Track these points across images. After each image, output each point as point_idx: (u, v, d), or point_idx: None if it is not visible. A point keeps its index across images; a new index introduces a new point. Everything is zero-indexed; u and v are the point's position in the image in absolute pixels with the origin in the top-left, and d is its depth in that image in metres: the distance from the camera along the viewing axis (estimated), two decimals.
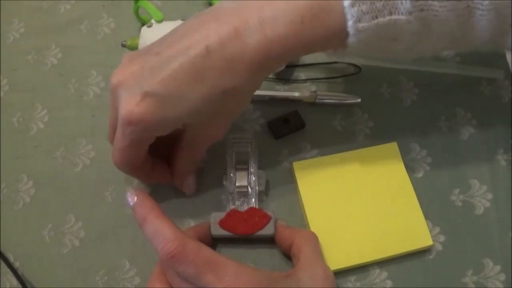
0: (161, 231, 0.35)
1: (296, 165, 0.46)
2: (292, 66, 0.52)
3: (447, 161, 0.47)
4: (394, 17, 0.37)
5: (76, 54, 0.54)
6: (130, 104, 0.37)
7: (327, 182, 0.45)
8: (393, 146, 0.47)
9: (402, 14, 0.37)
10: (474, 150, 0.48)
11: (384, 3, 0.36)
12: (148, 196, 0.37)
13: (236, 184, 0.44)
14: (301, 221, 0.45)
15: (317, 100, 0.49)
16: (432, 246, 0.43)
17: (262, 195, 0.46)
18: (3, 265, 0.43)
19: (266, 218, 0.42)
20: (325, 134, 0.49)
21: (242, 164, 0.45)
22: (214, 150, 0.46)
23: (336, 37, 0.38)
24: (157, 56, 0.37)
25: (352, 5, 0.36)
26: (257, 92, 0.50)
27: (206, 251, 0.35)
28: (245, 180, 0.44)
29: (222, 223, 0.42)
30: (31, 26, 0.56)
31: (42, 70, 0.53)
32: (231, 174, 0.44)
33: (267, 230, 0.42)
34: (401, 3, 0.36)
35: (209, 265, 0.34)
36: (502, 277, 0.42)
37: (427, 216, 0.44)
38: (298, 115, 0.49)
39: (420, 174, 0.47)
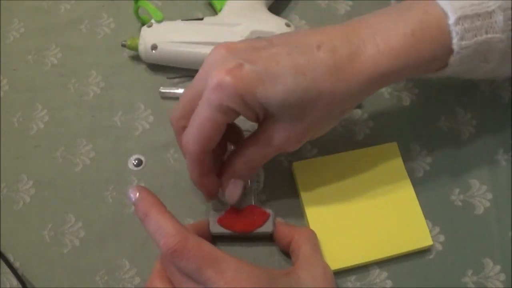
0: (163, 226, 0.35)
1: (296, 165, 0.46)
2: None
3: (447, 161, 0.47)
4: (489, 35, 0.38)
5: (76, 54, 0.54)
6: (223, 71, 0.35)
7: (327, 182, 0.45)
8: (393, 146, 0.47)
9: (496, 32, 0.38)
10: (474, 150, 0.48)
11: (482, 22, 0.38)
12: (150, 192, 0.37)
13: None
14: (301, 221, 0.45)
15: None
16: (432, 246, 0.43)
17: (262, 194, 0.46)
18: (3, 265, 0.43)
19: (265, 216, 0.42)
20: (325, 134, 0.49)
21: None
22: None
23: (442, 54, 0.39)
24: (267, 42, 0.38)
25: (456, 23, 0.38)
26: None
27: (208, 246, 0.35)
28: None
29: (221, 221, 0.42)
30: (31, 26, 0.56)
31: (42, 70, 0.53)
32: None
33: (266, 228, 0.42)
34: (495, 22, 0.38)
35: (210, 260, 0.34)
36: (502, 277, 0.42)
37: (427, 216, 0.44)
38: None
39: (420, 174, 0.47)
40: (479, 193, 0.46)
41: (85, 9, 0.57)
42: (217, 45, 0.38)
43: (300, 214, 0.45)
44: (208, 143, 0.38)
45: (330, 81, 0.37)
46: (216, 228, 0.42)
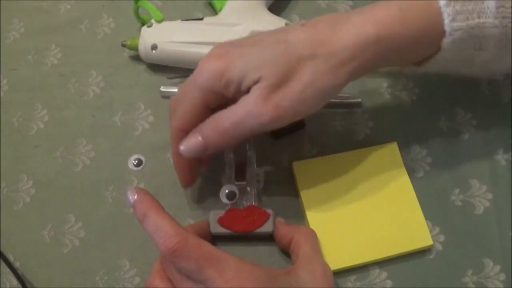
0: (162, 226, 0.35)
1: (296, 165, 0.46)
2: None
3: (447, 161, 0.47)
4: (482, 20, 0.38)
5: (76, 54, 0.54)
6: (210, 55, 0.39)
7: (327, 182, 0.45)
8: (393, 146, 0.47)
9: (488, 17, 0.38)
10: (474, 150, 0.48)
11: (474, 7, 0.38)
12: (149, 193, 0.37)
13: (235, 182, 0.44)
14: (301, 221, 0.45)
15: None
16: (432, 246, 0.43)
17: (262, 194, 0.46)
18: (3, 265, 0.43)
19: (265, 216, 0.42)
20: (325, 134, 0.49)
21: (240, 162, 0.45)
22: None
23: (433, 34, 0.38)
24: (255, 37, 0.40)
25: (448, 5, 0.37)
26: None
27: (207, 246, 0.35)
28: (243, 178, 0.44)
29: (221, 221, 0.42)
30: (31, 26, 0.56)
31: (42, 70, 0.53)
32: (231, 173, 0.44)
33: (266, 228, 0.42)
34: (487, 7, 0.38)
35: (210, 260, 0.34)
36: (502, 277, 0.42)
37: (427, 216, 0.44)
38: None
39: (420, 174, 0.47)
40: (479, 193, 0.46)
41: (85, 9, 0.57)
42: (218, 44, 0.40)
43: (300, 214, 0.45)
44: (187, 121, 0.40)
45: (311, 45, 0.38)
46: (217, 228, 0.42)
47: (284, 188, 0.46)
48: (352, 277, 0.43)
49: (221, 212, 0.42)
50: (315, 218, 0.44)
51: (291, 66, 0.37)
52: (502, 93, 0.51)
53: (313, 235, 0.41)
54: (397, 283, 0.42)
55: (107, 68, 0.53)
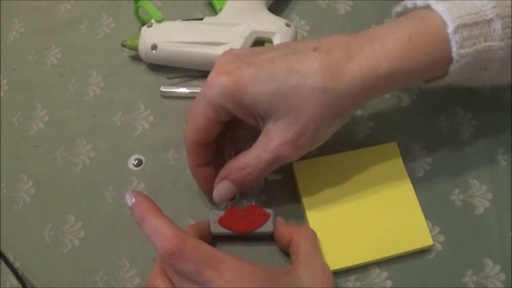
0: (160, 229, 0.35)
1: (296, 165, 0.46)
2: None
3: (447, 161, 0.47)
4: (488, 43, 0.38)
5: (76, 54, 0.54)
6: (220, 70, 0.38)
7: (327, 182, 0.45)
8: (393, 146, 0.47)
9: (495, 40, 0.38)
10: (474, 150, 0.48)
11: (481, 31, 0.38)
12: (146, 197, 0.37)
13: None
14: (301, 221, 0.45)
15: None
16: (432, 246, 0.43)
17: (262, 194, 0.46)
18: (3, 265, 0.43)
19: (265, 216, 0.42)
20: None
21: None
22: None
23: (441, 62, 0.39)
24: (269, 48, 0.40)
25: (455, 32, 0.38)
26: None
27: (206, 247, 0.35)
28: None
29: (221, 221, 0.42)
30: (31, 26, 0.56)
31: (42, 70, 0.53)
32: None
33: (266, 228, 0.42)
34: (494, 30, 0.38)
35: (209, 261, 0.34)
36: (502, 277, 0.42)
37: (427, 216, 0.44)
38: None
39: (420, 174, 0.47)
40: (479, 193, 0.46)
41: (85, 9, 0.57)
42: (225, 51, 0.40)
43: (300, 214, 0.45)
44: (201, 135, 0.40)
45: (322, 78, 0.38)
46: (217, 228, 0.42)
47: (284, 188, 0.46)
48: (352, 277, 0.43)
49: (221, 212, 0.42)
50: (315, 218, 0.44)
51: (301, 100, 0.38)
52: (502, 93, 0.51)
53: (313, 235, 0.41)
54: (397, 283, 0.42)
55: (107, 68, 0.53)
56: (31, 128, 0.50)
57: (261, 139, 0.40)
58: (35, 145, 0.49)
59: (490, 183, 0.46)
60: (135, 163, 0.48)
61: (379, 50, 0.38)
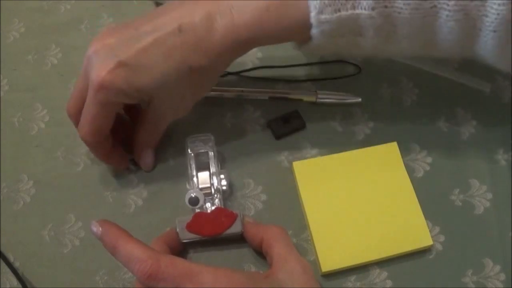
0: (133, 254, 0.35)
1: (296, 165, 0.46)
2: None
3: (447, 161, 0.47)
4: (356, 11, 0.38)
5: (76, 54, 0.54)
6: (103, 70, 0.39)
7: (327, 182, 0.45)
8: (393, 146, 0.47)
9: (364, 9, 0.38)
10: (474, 150, 0.48)
11: None
12: (113, 224, 0.38)
13: (199, 186, 0.44)
14: (301, 221, 0.45)
15: (318, 100, 0.49)
16: (432, 246, 0.43)
17: (262, 194, 0.46)
18: (3, 265, 0.43)
19: (233, 217, 0.42)
20: (325, 134, 0.49)
21: (203, 166, 0.45)
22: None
23: (300, 28, 0.40)
24: (134, 30, 0.41)
25: None
26: (257, 92, 0.50)
27: (180, 262, 0.35)
28: (207, 181, 0.44)
29: (189, 227, 0.42)
30: (31, 26, 0.56)
31: (42, 70, 0.53)
32: (193, 177, 0.44)
33: (235, 228, 0.42)
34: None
35: (186, 275, 0.34)
36: (502, 277, 0.42)
37: (427, 216, 0.44)
38: (298, 114, 0.49)
39: (420, 174, 0.47)
40: (479, 193, 0.46)
41: (85, 9, 0.57)
42: (92, 41, 0.41)
43: (300, 214, 0.45)
44: (101, 132, 0.42)
45: (196, 56, 0.40)
46: (186, 235, 0.42)
47: (284, 189, 0.46)
48: (352, 277, 0.43)
49: (188, 218, 0.42)
50: (315, 218, 0.44)
51: (185, 76, 0.41)
52: (502, 93, 0.51)
53: (283, 234, 0.41)
54: (397, 283, 0.42)
55: None
56: (31, 128, 0.50)
57: (152, 109, 0.43)
58: (35, 145, 0.49)
59: (490, 183, 0.46)
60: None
61: (236, 18, 0.40)
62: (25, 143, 0.49)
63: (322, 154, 0.47)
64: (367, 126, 0.49)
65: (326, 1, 0.38)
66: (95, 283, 0.43)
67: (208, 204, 0.43)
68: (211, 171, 0.44)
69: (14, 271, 0.42)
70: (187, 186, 0.46)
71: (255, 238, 0.41)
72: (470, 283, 0.42)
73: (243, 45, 0.41)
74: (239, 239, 0.43)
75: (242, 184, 0.46)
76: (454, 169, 0.47)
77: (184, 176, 0.46)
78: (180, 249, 0.43)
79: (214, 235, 0.42)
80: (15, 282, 0.42)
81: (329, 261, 0.42)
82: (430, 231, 0.44)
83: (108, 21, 0.56)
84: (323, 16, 0.39)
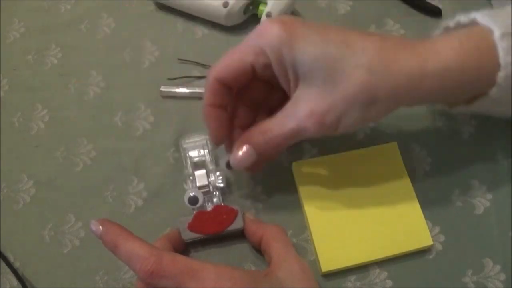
0: (135, 251, 0.35)
1: (295, 165, 0.46)
2: None
3: (447, 161, 0.47)
4: None
5: (76, 54, 0.54)
6: (276, 20, 0.37)
7: (327, 182, 0.45)
8: (393, 146, 0.47)
9: None
10: (474, 150, 0.48)
11: None
12: (113, 222, 0.38)
13: (197, 185, 0.44)
14: (301, 221, 0.45)
15: None
16: (432, 246, 0.43)
17: (262, 194, 0.46)
18: (3, 265, 0.43)
19: (234, 213, 0.42)
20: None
21: (199, 165, 0.45)
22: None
23: (488, 67, 0.37)
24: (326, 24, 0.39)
25: (502, 39, 0.37)
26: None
27: (182, 260, 0.35)
28: (205, 179, 0.44)
29: (191, 227, 0.42)
30: (31, 26, 0.56)
31: (42, 70, 0.53)
32: (190, 177, 0.44)
33: (236, 224, 0.42)
34: None
35: (188, 273, 0.34)
36: (502, 277, 0.42)
37: (427, 216, 0.44)
38: None
39: (420, 174, 0.47)
40: (479, 193, 0.46)
41: (85, 9, 0.57)
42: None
43: (300, 214, 0.45)
44: (227, 72, 0.39)
45: (370, 59, 0.36)
46: (188, 235, 0.42)
47: (284, 188, 0.46)
48: (352, 277, 0.43)
49: (189, 218, 0.42)
50: (315, 218, 0.44)
51: (342, 73, 0.36)
52: None
53: (282, 233, 0.41)
54: (397, 283, 0.42)
55: (107, 68, 0.53)
56: (31, 128, 0.50)
57: (288, 105, 0.39)
58: (35, 145, 0.49)
59: (490, 183, 0.46)
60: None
61: (428, 46, 0.37)
62: (25, 143, 0.49)
63: (322, 154, 0.47)
64: (367, 126, 0.49)
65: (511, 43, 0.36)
66: (95, 283, 0.43)
67: (208, 203, 0.43)
68: (208, 169, 0.44)
69: (14, 271, 0.42)
70: (185, 186, 0.46)
71: (254, 235, 0.42)
72: (470, 283, 0.42)
73: (428, 78, 0.37)
74: (240, 236, 0.43)
75: (242, 184, 0.46)
76: (454, 169, 0.47)
77: (183, 176, 0.46)
78: (183, 249, 0.43)
79: (217, 232, 0.42)
80: (15, 282, 0.42)
81: (329, 261, 0.42)
82: (430, 231, 0.44)
83: (108, 21, 0.56)
84: (510, 58, 0.36)
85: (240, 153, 0.40)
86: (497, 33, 0.37)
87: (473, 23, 0.39)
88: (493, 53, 0.37)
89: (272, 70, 0.39)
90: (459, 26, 0.41)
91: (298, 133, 0.38)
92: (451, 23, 0.42)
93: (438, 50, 0.37)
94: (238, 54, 0.39)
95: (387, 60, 0.37)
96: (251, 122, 0.43)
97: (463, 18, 0.40)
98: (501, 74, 0.37)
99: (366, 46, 0.37)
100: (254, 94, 0.43)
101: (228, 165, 0.42)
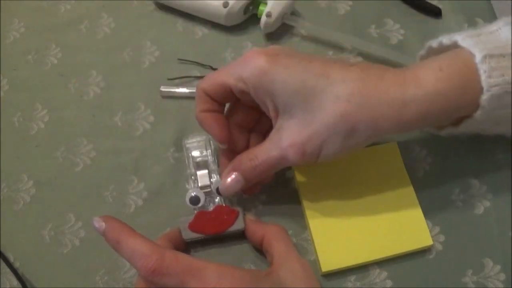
0: (137, 248, 0.35)
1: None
2: None
3: (447, 161, 0.47)
4: None
5: (76, 54, 0.54)
6: (261, 50, 0.39)
7: (327, 182, 0.45)
8: (393, 146, 0.47)
9: None
10: (474, 150, 0.47)
11: (508, 63, 0.37)
12: (116, 219, 0.37)
13: (199, 185, 0.44)
14: (301, 221, 0.45)
15: None
16: (432, 246, 0.43)
17: (261, 194, 0.46)
18: (3, 265, 0.43)
19: (234, 213, 0.42)
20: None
21: (202, 165, 0.45)
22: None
23: (471, 91, 0.37)
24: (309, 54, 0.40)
25: (483, 61, 0.37)
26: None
27: (184, 258, 0.35)
28: (207, 179, 0.44)
29: (191, 227, 0.42)
30: (31, 26, 0.56)
31: (42, 70, 0.53)
32: (192, 177, 0.44)
33: (238, 225, 0.42)
34: None
35: (190, 271, 0.34)
36: (502, 277, 0.42)
37: (427, 216, 0.44)
38: None
39: (420, 174, 0.47)
40: (479, 193, 0.46)
41: (85, 9, 0.57)
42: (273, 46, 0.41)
43: (300, 214, 0.45)
44: (211, 90, 0.40)
45: (350, 90, 0.37)
46: (189, 235, 0.42)
47: (284, 189, 0.46)
48: (352, 277, 0.43)
49: (190, 218, 0.42)
50: (315, 218, 0.44)
51: (322, 104, 0.37)
52: None
53: (283, 233, 0.41)
54: (397, 283, 0.42)
55: (107, 68, 0.53)
56: (31, 128, 0.50)
57: (273, 134, 0.40)
58: (35, 145, 0.49)
59: (490, 183, 0.46)
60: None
61: (409, 76, 0.38)
62: (25, 143, 0.49)
63: None
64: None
65: (493, 65, 0.37)
66: (95, 283, 0.43)
67: (209, 203, 0.43)
68: (210, 169, 0.44)
69: (14, 271, 0.42)
70: (187, 185, 0.46)
71: (256, 235, 0.42)
72: (470, 283, 0.42)
73: (406, 108, 0.37)
74: (240, 236, 0.43)
75: None
76: (454, 169, 0.47)
77: (184, 176, 0.46)
78: (183, 248, 0.43)
79: (218, 233, 0.42)
80: (15, 282, 0.42)
81: (329, 261, 0.42)
82: (430, 231, 0.44)
83: (108, 21, 0.56)
84: (492, 80, 0.37)
85: (229, 179, 0.41)
86: (478, 57, 0.37)
87: (455, 46, 0.39)
88: (475, 77, 0.37)
89: (251, 97, 0.40)
90: (442, 47, 0.41)
91: (281, 161, 0.39)
92: (434, 43, 0.42)
93: (419, 77, 0.37)
94: (222, 75, 0.40)
95: (366, 90, 0.37)
96: (246, 144, 0.44)
97: (445, 39, 0.40)
98: (484, 97, 0.37)
99: (346, 77, 0.37)
100: (244, 117, 0.44)
101: (218, 191, 0.43)
